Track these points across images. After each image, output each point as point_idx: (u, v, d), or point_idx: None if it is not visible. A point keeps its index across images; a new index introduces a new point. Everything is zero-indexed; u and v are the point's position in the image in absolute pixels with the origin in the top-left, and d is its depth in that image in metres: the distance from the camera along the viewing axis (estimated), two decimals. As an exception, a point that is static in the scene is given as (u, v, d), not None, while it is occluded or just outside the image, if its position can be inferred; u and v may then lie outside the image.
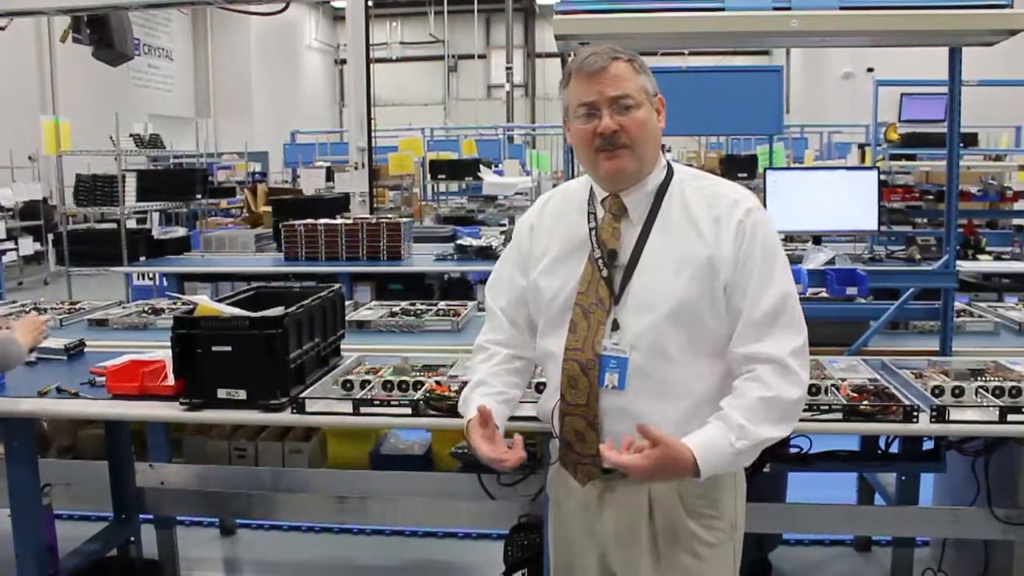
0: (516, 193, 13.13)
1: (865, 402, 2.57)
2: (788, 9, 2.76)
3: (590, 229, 2.03)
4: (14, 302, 4.55)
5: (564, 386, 2.00)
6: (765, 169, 4.51)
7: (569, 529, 2.15)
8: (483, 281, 6.74)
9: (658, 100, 2.01)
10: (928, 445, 3.34)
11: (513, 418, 2.53)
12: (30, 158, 14.51)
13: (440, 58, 28.82)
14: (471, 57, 28.21)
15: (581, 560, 2.13)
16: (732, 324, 1.94)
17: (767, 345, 1.89)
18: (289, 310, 2.67)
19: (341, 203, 8.56)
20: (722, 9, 2.78)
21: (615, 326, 1.96)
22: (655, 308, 1.93)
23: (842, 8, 2.75)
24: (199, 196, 9.82)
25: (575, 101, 1.99)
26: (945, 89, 3.18)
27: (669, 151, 13.98)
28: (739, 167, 10.41)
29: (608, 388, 1.95)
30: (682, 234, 1.96)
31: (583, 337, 1.98)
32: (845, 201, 4.19)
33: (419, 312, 4.04)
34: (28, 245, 13.09)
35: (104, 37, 5.27)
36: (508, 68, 26.79)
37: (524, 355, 2.20)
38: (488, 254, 6.45)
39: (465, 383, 2.78)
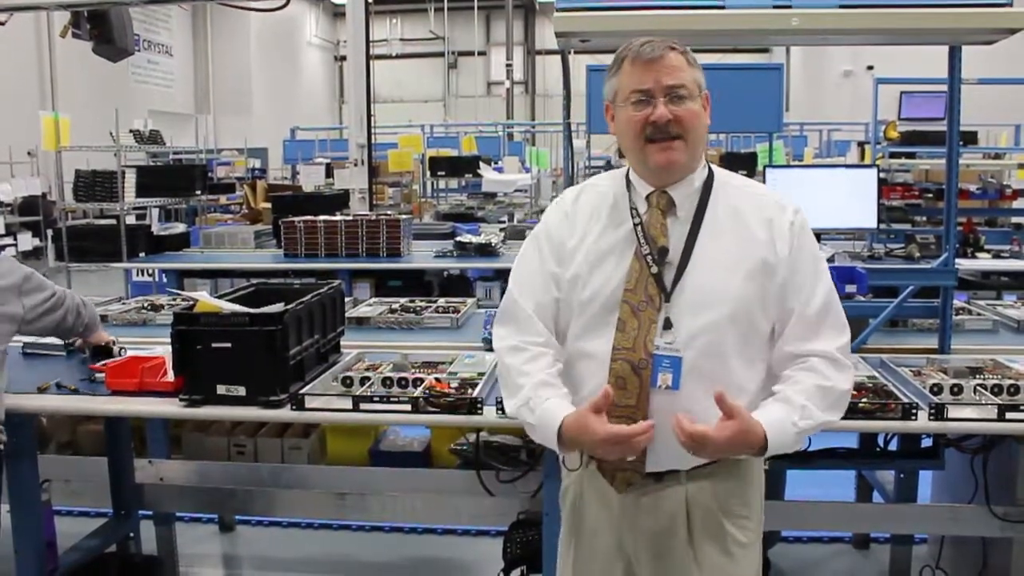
0: (516, 190, 13.14)
1: (864, 400, 2.57)
2: (788, 7, 2.75)
3: (635, 224, 1.96)
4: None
5: (613, 387, 1.88)
6: (765, 167, 4.51)
7: (593, 544, 2.07)
8: (482, 278, 6.79)
9: (705, 96, 1.97)
10: (927, 443, 3.35)
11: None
12: (29, 153, 14.50)
13: (440, 55, 28.80)
14: (471, 54, 28.19)
15: (605, 557, 2.06)
16: (781, 323, 1.95)
17: (820, 342, 1.92)
18: (289, 307, 2.68)
19: (341, 200, 8.55)
20: (723, 7, 2.77)
21: (667, 324, 1.90)
22: (713, 307, 1.89)
23: (842, 6, 2.74)
24: (199, 192, 9.80)
25: (628, 87, 1.92)
26: (945, 87, 3.18)
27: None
28: (739, 165, 10.36)
29: (661, 388, 1.88)
30: (735, 234, 1.94)
31: (633, 336, 1.91)
32: (844, 199, 4.19)
33: (419, 309, 4.04)
34: (27, 241, 13.10)
35: (104, 33, 5.27)
36: (508, 65, 26.78)
37: (560, 360, 2.03)
38: (487, 251, 6.44)
39: (465, 380, 2.80)
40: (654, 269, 1.92)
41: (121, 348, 3.24)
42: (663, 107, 1.89)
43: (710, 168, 2.02)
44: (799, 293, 1.93)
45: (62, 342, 3.35)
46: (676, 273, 1.92)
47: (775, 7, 2.76)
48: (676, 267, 1.92)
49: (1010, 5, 2.72)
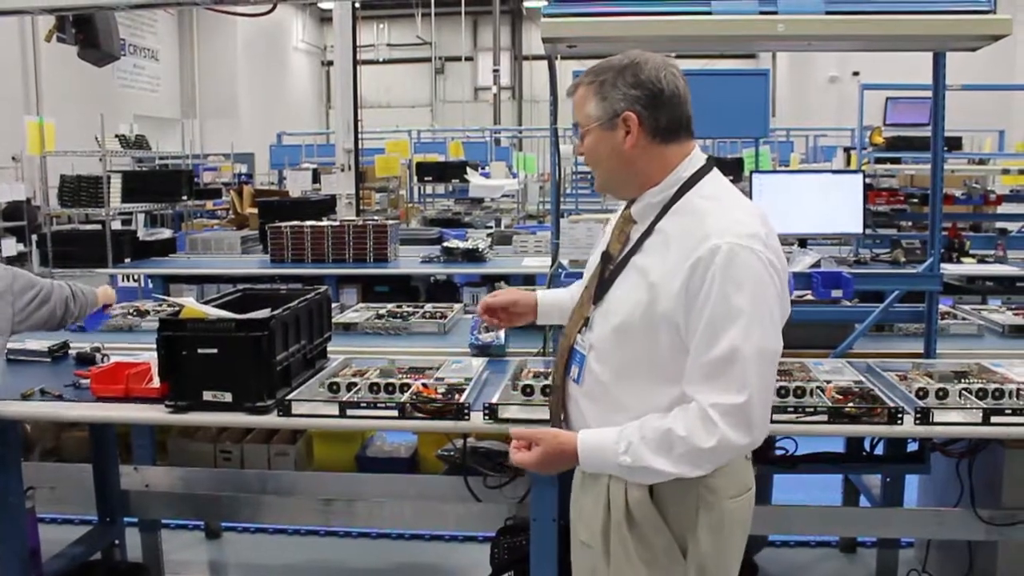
0: (503, 195, 13.14)
1: (850, 404, 2.58)
2: (775, 13, 2.77)
3: (612, 230, 2.12)
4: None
5: (554, 364, 2.15)
6: (751, 172, 4.53)
7: (572, 502, 2.22)
8: (469, 283, 6.79)
9: (624, 119, 1.92)
10: (912, 447, 3.37)
11: (503, 420, 2.55)
12: (14, 158, 14.41)
13: (427, 60, 28.82)
14: (458, 59, 28.20)
15: (574, 534, 2.20)
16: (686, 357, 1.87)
17: (703, 392, 1.81)
18: (275, 312, 2.67)
19: (327, 205, 8.55)
20: (709, 13, 2.79)
21: (587, 324, 2.04)
22: (608, 319, 1.97)
23: (828, 13, 2.76)
24: (185, 197, 9.77)
25: None
26: (930, 93, 3.20)
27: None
28: (725, 170, 10.33)
29: (572, 378, 2.06)
30: (658, 255, 1.92)
31: (571, 326, 2.11)
32: (831, 204, 4.22)
33: (406, 314, 4.03)
34: (11, 246, 12.99)
35: (89, 37, 5.22)
36: (495, 71, 26.80)
37: None
38: (475, 256, 6.44)
39: (452, 385, 2.80)
40: (600, 272, 2.06)
41: (105, 355, 3.22)
42: (578, 142, 2.04)
43: (689, 183, 1.95)
44: (695, 334, 1.83)
45: (46, 349, 3.33)
46: (607, 280, 2.02)
47: (761, 13, 2.77)
48: (609, 274, 2.02)
49: (993, 12, 2.75)
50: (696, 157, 1.99)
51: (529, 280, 5.76)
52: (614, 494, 1.99)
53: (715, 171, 2.00)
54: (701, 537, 1.95)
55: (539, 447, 1.97)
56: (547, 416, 2.52)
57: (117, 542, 3.68)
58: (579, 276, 2.47)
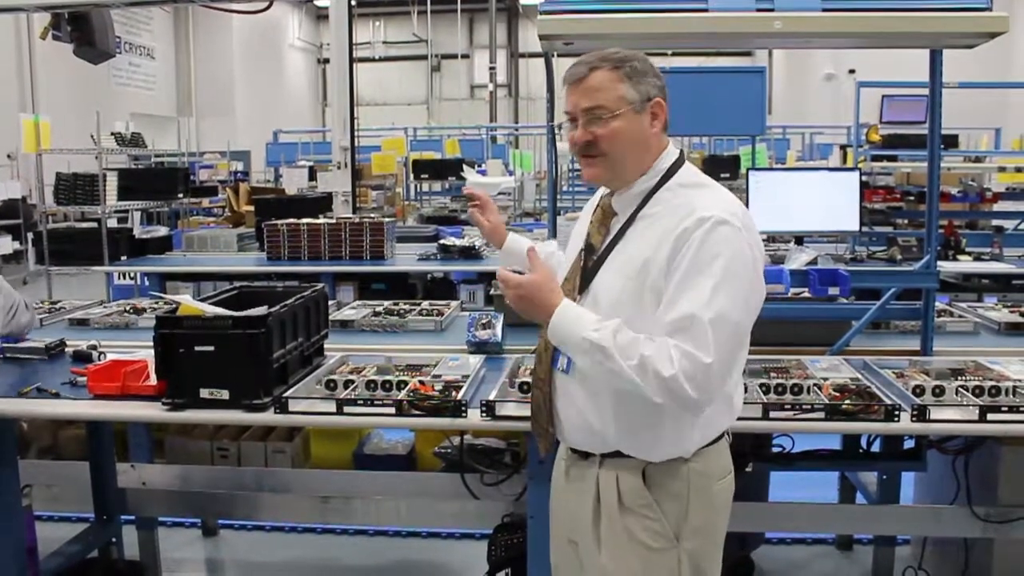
0: (499, 193, 13.10)
1: (847, 401, 2.58)
2: (771, 10, 2.77)
3: (590, 222, 2.14)
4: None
5: (535, 360, 2.17)
6: (747, 170, 4.53)
7: (553, 501, 2.28)
8: (466, 280, 6.79)
9: (652, 105, 2.00)
10: (909, 444, 3.37)
11: (500, 417, 2.55)
12: (9, 156, 14.40)
13: (423, 58, 28.78)
14: (454, 57, 28.18)
15: (556, 532, 2.26)
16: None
17: (671, 331, 1.84)
18: (272, 309, 2.66)
19: (324, 203, 8.53)
20: (705, 10, 2.79)
21: None
22: (598, 305, 1.99)
23: (825, 10, 2.76)
24: (181, 195, 9.77)
25: (564, 109, 2.08)
26: (926, 91, 3.21)
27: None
28: (721, 167, 10.42)
29: (560, 369, 2.08)
30: (642, 239, 1.98)
31: None
32: (827, 202, 4.23)
33: (402, 312, 4.03)
34: (7, 244, 13.01)
35: (85, 35, 5.23)
36: (491, 68, 26.82)
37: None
38: (471, 254, 6.44)
39: (449, 382, 2.81)
40: (582, 263, 2.09)
41: (102, 352, 3.22)
42: (580, 130, 2.01)
43: (669, 172, 2.03)
44: (667, 293, 1.88)
45: (43, 346, 3.32)
46: (591, 270, 2.05)
47: (758, 10, 2.77)
48: (592, 265, 2.06)
49: (990, 9, 2.75)
50: (672, 150, 2.08)
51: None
52: (604, 484, 2.02)
53: (688, 163, 2.08)
54: (692, 520, 2.00)
55: (534, 275, 1.99)
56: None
57: (114, 540, 3.68)
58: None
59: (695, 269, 1.85)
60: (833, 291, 3.30)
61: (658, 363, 1.81)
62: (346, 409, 2.61)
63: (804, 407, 2.56)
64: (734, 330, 1.86)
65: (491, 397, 2.59)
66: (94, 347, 3.26)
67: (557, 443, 2.22)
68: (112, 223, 9.55)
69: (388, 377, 2.79)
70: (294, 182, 11.17)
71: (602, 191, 2.18)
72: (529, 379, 2.69)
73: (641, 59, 2.00)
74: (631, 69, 1.98)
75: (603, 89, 1.97)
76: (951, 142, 9.12)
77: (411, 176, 13.72)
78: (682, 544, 2.00)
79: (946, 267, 5.55)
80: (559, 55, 3.30)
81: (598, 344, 1.86)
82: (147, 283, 6.93)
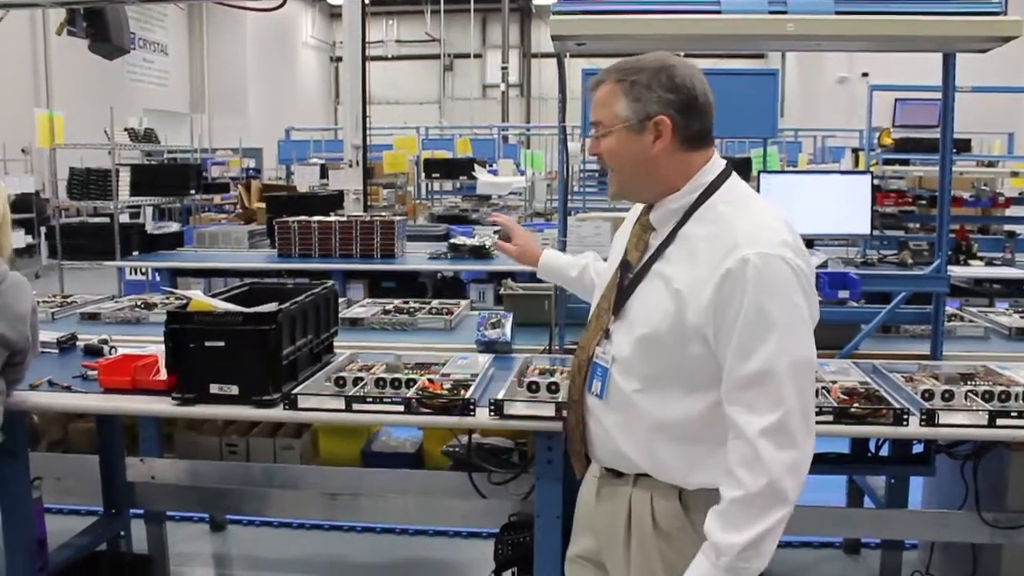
0: (510, 193, 13.12)
1: (855, 405, 2.58)
2: (784, 13, 2.77)
3: (629, 237, 2.05)
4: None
5: (570, 380, 2.10)
6: (759, 172, 4.53)
7: (580, 509, 2.22)
8: (476, 280, 6.80)
9: (656, 124, 1.86)
10: (918, 448, 3.36)
11: (508, 416, 2.56)
12: (23, 151, 14.47)
13: (436, 57, 28.82)
14: (467, 56, 28.22)
15: (577, 549, 2.21)
16: (720, 366, 1.81)
17: (739, 413, 1.76)
18: (283, 307, 2.67)
19: (335, 200, 8.55)
20: (718, 12, 2.79)
21: (607, 335, 1.98)
22: (634, 329, 1.91)
23: (838, 13, 2.76)
24: (193, 192, 9.81)
25: None
26: (939, 95, 3.20)
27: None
28: (733, 170, 10.42)
29: (594, 393, 2.00)
30: (681, 264, 1.87)
31: (588, 337, 2.04)
32: (838, 205, 4.21)
33: (412, 310, 4.04)
34: (20, 238, 13.05)
35: (100, 30, 5.26)
36: (504, 68, 26.86)
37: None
38: (481, 253, 6.44)
39: (458, 381, 2.81)
40: (619, 281, 2.00)
41: (113, 347, 3.24)
42: (591, 142, 1.99)
43: (712, 187, 1.91)
44: (728, 349, 1.77)
45: (55, 340, 3.34)
46: (627, 289, 1.96)
47: (771, 12, 2.77)
48: (629, 283, 1.96)
49: (1004, 13, 2.74)
50: (716, 162, 1.95)
51: (535, 277, 5.75)
52: (637, 504, 1.95)
53: (734, 176, 1.95)
54: None
55: None
56: (552, 413, 2.55)
57: (123, 533, 3.69)
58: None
59: (755, 319, 1.74)
60: (843, 294, 3.29)
61: (754, 484, 1.73)
62: (355, 406, 2.63)
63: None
64: (807, 368, 1.79)
65: (500, 396, 2.60)
66: (105, 341, 3.29)
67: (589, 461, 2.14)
68: (124, 218, 9.59)
69: (397, 375, 2.80)
70: (306, 180, 11.20)
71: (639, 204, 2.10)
72: (537, 379, 2.71)
73: (654, 70, 1.87)
74: (632, 84, 1.87)
75: (603, 104, 1.92)
76: (963, 146, 9.08)
77: (422, 175, 13.74)
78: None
79: (957, 272, 5.54)
80: (571, 56, 3.31)
81: (737, 558, 1.74)
82: (158, 278, 6.96)
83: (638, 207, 2.11)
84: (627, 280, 1.97)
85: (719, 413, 1.83)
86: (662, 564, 1.92)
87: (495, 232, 2.84)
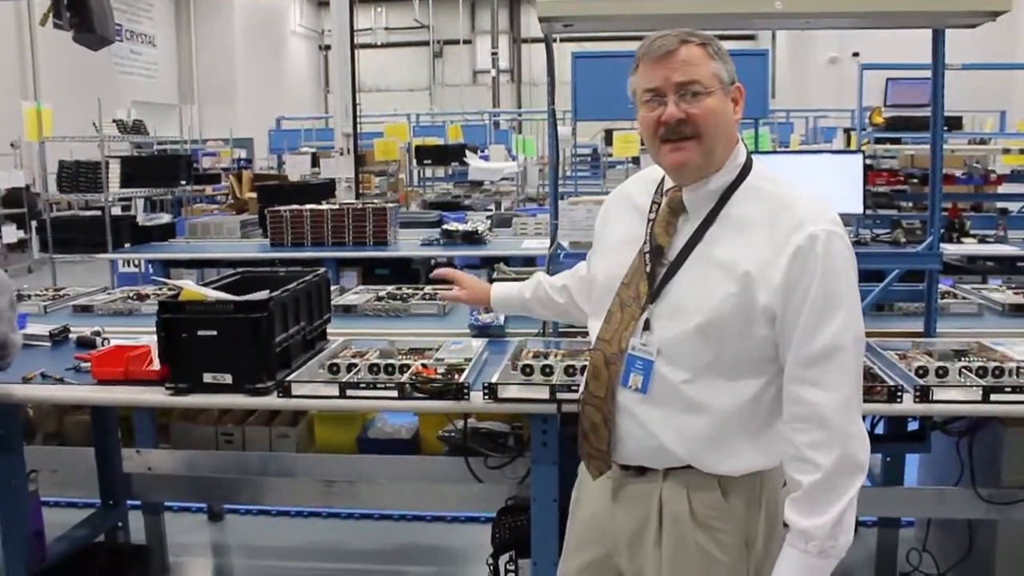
0: (502, 178, 13.13)
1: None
2: (772, -10, 2.75)
3: (649, 220, 1.95)
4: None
5: (588, 375, 1.97)
6: (751, 153, 4.52)
7: (585, 524, 2.10)
8: (469, 265, 6.78)
9: (735, 89, 1.86)
10: (913, 426, 3.37)
11: (502, 399, 2.55)
12: (12, 145, 14.40)
13: (425, 44, 28.74)
14: (456, 43, 28.16)
15: (587, 550, 2.09)
16: (783, 347, 1.80)
17: (805, 390, 1.76)
18: (274, 294, 2.67)
19: (327, 189, 8.53)
20: (706, -10, 2.78)
21: (646, 326, 1.88)
22: (686, 317, 1.82)
23: (826, -11, 2.75)
24: (184, 183, 9.77)
25: (642, 86, 1.86)
26: (930, 73, 3.19)
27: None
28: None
29: (632, 388, 1.88)
30: (737, 244, 1.81)
31: (614, 329, 1.92)
32: (831, 185, 4.19)
33: (405, 296, 4.03)
34: (11, 233, 12.99)
35: (84, 21, 5.20)
36: (494, 54, 26.80)
37: (577, 303, 2.34)
38: (474, 239, 6.43)
39: (451, 366, 2.81)
40: (649, 268, 1.89)
41: (106, 338, 3.23)
42: (673, 106, 1.81)
43: (746, 166, 1.89)
44: (796, 327, 1.76)
45: (47, 333, 3.33)
46: (665, 275, 1.87)
47: (759, -10, 2.76)
48: (668, 268, 1.87)
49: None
50: (742, 143, 1.93)
51: (529, 262, 5.75)
52: (670, 499, 1.90)
53: (754, 156, 1.94)
54: (762, 527, 1.90)
55: None
56: (546, 395, 2.54)
57: (120, 525, 3.69)
58: (580, 257, 2.45)
59: (825, 295, 1.74)
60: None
61: (829, 460, 1.73)
62: (349, 392, 2.62)
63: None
64: (864, 340, 1.84)
65: (494, 380, 2.60)
66: (98, 333, 3.27)
67: None
68: (116, 211, 9.55)
69: (391, 361, 2.79)
70: (297, 169, 11.19)
71: (638, 186, 2.06)
72: (531, 362, 2.70)
73: (718, 41, 1.86)
74: (717, 48, 1.84)
75: (698, 64, 1.81)
76: (955, 124, 9.09)
77: (414, 162, 13.73)
78: (751, 553, 1.89)
79: (950, 249, 5.54)
80: (561, 39, 3.29)
81: (828, 534, 1.74)
82: (151, 270, 6.94)
83: (624, 193, 2.09)
84: (661, 266, 1.88)
85: (765, 398, 1.84)
86: (698, 555, 1.88)
87: (484, 309, 2.89)
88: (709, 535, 1.88)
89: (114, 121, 9.84)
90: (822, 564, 1.76)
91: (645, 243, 1.93)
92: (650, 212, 1.96)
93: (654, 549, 1.91)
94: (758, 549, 1.89)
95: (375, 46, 26.62)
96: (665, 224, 1.91)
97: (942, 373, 2.66)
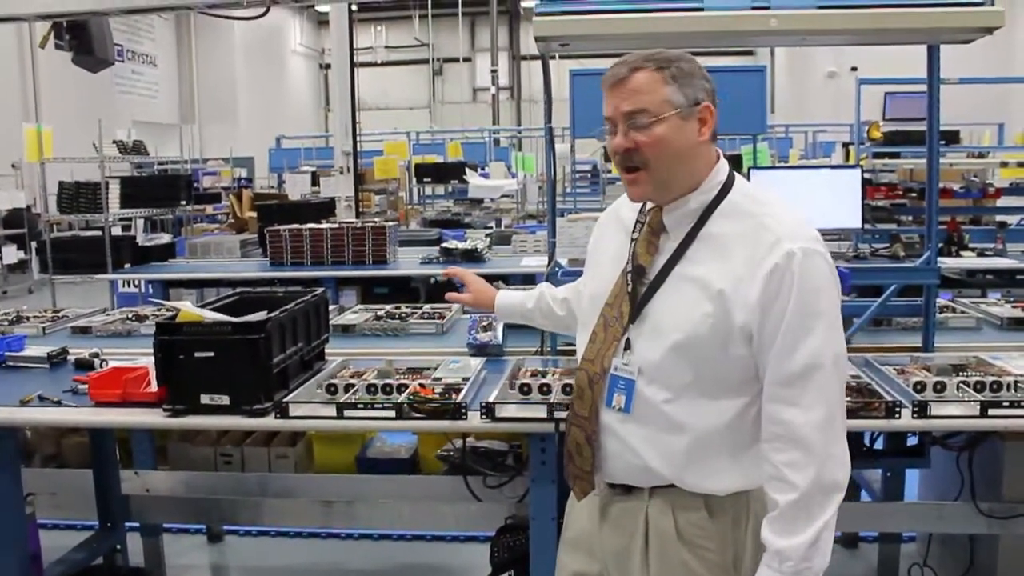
0: (502, 196, 13.14)
1: (848, 398, 2.56)
2: (767, 8, 2.76)
3: (632, 239, 1.95)
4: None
5: (574, 395, 1.97)
6: (749, 168, 4.53)
7: (575, 543, 2.11)
8: (468, 284, 6.78)
9: (701, 110, 1.83)
10: (912, 441, 3.36)
11: (500, 419, 2.55)
12: (13, 166, 14.43)
13: (425, 62, 28.83)
14: (456, 60, 28.26)
15: (578, 569, 2.08)
16: (761, 368, 1.80)
17: (783, 410, 1.76)
18: (272, 315, 2.66)
19: (327, 207, 8.56)
20: (701, 9, 2.78)
21: (628, 346, 1.89)
22: (665, 336, 1.83)
23: (820, 7, 2.76)
24: (184, 202, 9.79)
25: (604, 114, 1.89)
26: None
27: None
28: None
29: (615, 408, 1.89)
30: (715, 263, 1.81)
31: (597, 349, 1.93)
32: (829, 199, 4.20)
33: (404, 315, 4.03)
34: (12, 254, 13.02)
35: (84, 43, 5.24)
36: (493, 71, 26.86)
37: (576, 316, 2.25)
38: (474, 257, 6.45)
39: (449, 385, 2.80)
40: (630, 288, 1.91)
41: (103, 360, 3.22)
42: (621, 136, 1.84)
43: (727, 185, 1.88)
44: (771, 347, 1.76)
45: (45, 355, 3.33)
46: (645, 295, 1.88)
47: (753, 8, 2.77)
48: (648, 288, 1.88)
49: (991, 3, 2.74)
50: (723, 161, 1.92)
51: (528, 279, 5.76)
52: (656, 517, 1.90)
53: (736, 173, 1.93)
54: (749, 545, 1.89)
55: None
56: (544, 414, 2.54)
57: (119, 547, 3.68)
58: (578, 274, 2.45)
59: (802, 313, 1.73)
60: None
61: (804, 480, 1.73)
62: (346, 413, 2.62)
63: (805, 405, 2.55)
64: (844, 359, 1.82)
65: (491, 399, 2.59)
66: (96, 355, 3.27)
67: None
68: (116, 231, 9.57)
69: (388, 380, 2.79)
70: (297, 188, 11.21)
71: (627, 203, 2.03)
72: (529, 381, 2.70)
73: (688, 59, 1.84)
74: (677, 70, 1.81)
75: (646, 91, 1.80)
76: (953, 138, 9.11)
77: (414, 180, 13.75)
78: (739, 572, 1.89)
79: (949, 263, 5.55)
80: (560, 57, 3.30)
81: (802, 558, 1.73)
82: (151, 291, 6.95)
83: (615, 211, 2.09)
84: (642, 285, 1.89)
85: (747, 417, 1.83)
86: (684, 573, 1.88)
87: (442, 280, 2.90)
88: (694, 553, 1.88)
89: (114, 142, 9.88)
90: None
91: (628, 262, 1.93)
92: (633, 231, 1.96)
93: (641, 567, 1.92)
94: (746, 568, 1.89)
95: (375, 64, 26.74)
96: (647, 244, 1.92)
97: (940, 388, 2.65)
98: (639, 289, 1.89)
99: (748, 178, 4.18)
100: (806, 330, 1.74)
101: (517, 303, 2.53)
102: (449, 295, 2.66)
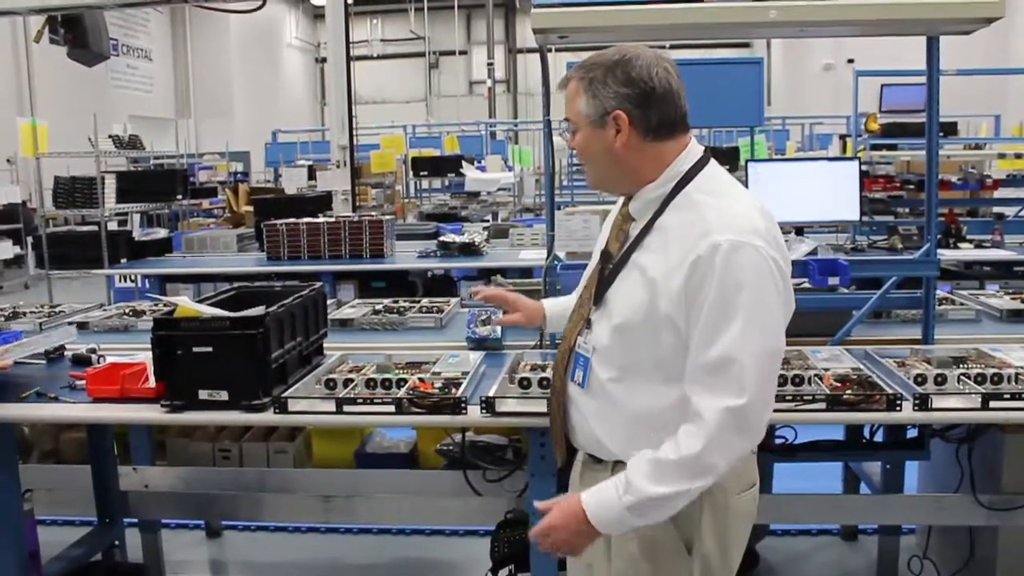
0: (499, 189, 13.12)
1: (848, 391, 2.57)
2: (766, 0, 2.75)
3: (611, 228, 2.08)
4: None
5: (552, 368, 2.13)
6: (747, 161, 4.52)
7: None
8: (466, 277, 6.78)
9: (615, 118, 1.87)
10: (912, 433, 3.36)
11: (499, 413, 2.54)
12: (8, 160, 14.39)
13: (421, 55, 28.75)
14: (452, 54, 28.18)
15: None
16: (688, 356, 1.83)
17: (698, 393, 1.78)
18: (270, 309, 2.65)
19: (323, 201, 8.52)
20: (700, 0, 2.77)
21: (587, 325, 2.01)
22: (610, 318, 1.94)
23: (819, -2, 2.75)
24: (180, 197, 9.77)
25: None
26: (925, 79, 3.19)
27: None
28: (721, 159, 10.29)
29: (576, 383, 2.02)
30: (656, 253, 1.87)
31: (570, 328, 2.08)
32: (827, 192, 4.20)
33: (402, 309, 4.02)
34: (7, 249, 12.96)
35: (79, 37, 5.22)
36: (489, 64, 26.82)
37: None
38: (471, 250, 6.42)
39: (449, 379, 2.80)
40: (599, 272, 2.02)
41: (101, 356, 3.21)
42: (568, 137, 1.99)
43: (685, 178, 1.91)
44: (692, 334, 1.79)
45: (42, 351, 3.31)
46: (607, 279, 1.98)
47: (753, 0, 2.76)
48: (608, 273, 1.98)
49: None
50: (693, 150, 1.94)
51: (526, 272, 5.75)
52: None
53: (712, 163, 1.96)
54: (706, 533, 1.93)
55: (551, 514, 1.89)
56: (543, 409, 2.52)
57: (117, 543, 3.68)
58: (576, 267, 2.47)
59: (721, 305, 1.75)
60: (833, 281, 3.28)
61: (687, 448, 1.75)
62: (345, 408, 2.61)
63: (805, 398, 2.55)
64: (771, 357, 1.81)
65: (491, 393, 2.58)
66: (93, 350, 3.26)
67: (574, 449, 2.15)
68: (112, 226, 9.53)
69: (388, 375, 2.78)
70: (293, 182, 11.16)
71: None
72: (529, 375, 2.70)
73: (609, 66, 1.87)
74: (592, 79, 1.88)
75: (571, 100, 1.94)
76: (950, 129, 9.08)
77: (410, 173, 13.71)
78: (695, 554, 1.93)
79: (947, 255, 5.54)
80: (556, 49, 3.29)
81: (641, 502, 1.78)
82: (147, 285, 6.93)
83: (620, 203, 2.13)
84: (607, 270, 1.99)
85: (684, 403, 1.85)
86: (640, 548, 1.96)
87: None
88: (645, 534, 1.93)
89: (110, 136, 9.84)
90: (620, 516, 1.81)
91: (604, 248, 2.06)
92: (613, 221, 2.10)
93: (603, 541, 1.97)
94: (705, 556, 1.94)
95: (371, 58, 26.67)
96: (617, 231, 2.03)
97: (941, 380, 2.65)
98: (604, 273, 2.00)
99: (746, 170, 4.19)
100: (723, 323, 1.75)
101: (567, 308, 2.41)
102: (499, 319, 2.61)
